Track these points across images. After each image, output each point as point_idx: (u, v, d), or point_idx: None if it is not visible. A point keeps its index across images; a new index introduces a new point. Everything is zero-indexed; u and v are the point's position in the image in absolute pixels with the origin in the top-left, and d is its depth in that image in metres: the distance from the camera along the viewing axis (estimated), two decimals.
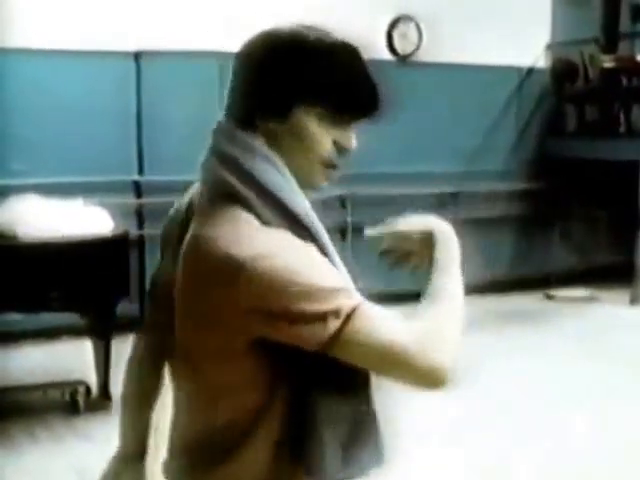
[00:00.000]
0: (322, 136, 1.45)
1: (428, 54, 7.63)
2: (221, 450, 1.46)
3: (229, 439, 1.45)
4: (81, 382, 5.08)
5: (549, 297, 8.11)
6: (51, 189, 5.14)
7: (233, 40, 6.77)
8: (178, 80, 6.55)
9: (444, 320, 1.41)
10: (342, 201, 7.33)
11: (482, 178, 7.97)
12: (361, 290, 1.40)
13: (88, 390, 5.04)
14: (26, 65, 6.05)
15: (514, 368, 5.84)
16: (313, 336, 1.34)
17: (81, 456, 4.26)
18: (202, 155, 1.47)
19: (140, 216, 6.62)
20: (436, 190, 7.72)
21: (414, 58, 7.59)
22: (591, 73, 8.36)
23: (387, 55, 7.49)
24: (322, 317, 1.33)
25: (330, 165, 1.48)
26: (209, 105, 6.68)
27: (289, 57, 1.42)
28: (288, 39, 1.45)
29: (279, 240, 1.37)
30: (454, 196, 7.84)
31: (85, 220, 4.84)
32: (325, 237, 1.44)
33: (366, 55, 1.46)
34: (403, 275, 6.96)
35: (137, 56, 6.50)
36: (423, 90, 7.62)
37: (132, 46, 6.44)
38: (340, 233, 7.32)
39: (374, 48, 7.38)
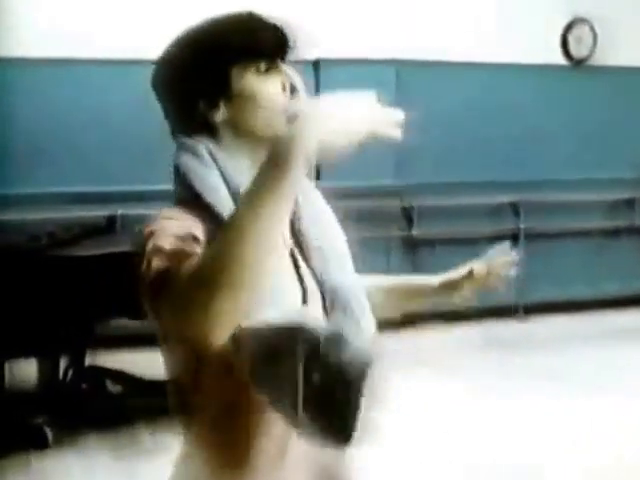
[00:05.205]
0: (267, 86, 1.53)
1: (602, 58, 7.50)
2: None
3: None
4: None
5: None
6: None
7: (410, 47, 6.80)
8: (356, 88, 6.62)
9: (223, 263, 1.22)
10: (514, 207, 7.30)
11: None
12: None
13: None
14: None
15: None
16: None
17: None
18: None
19: None
20: (610, 197, 7.58)
21: (588, 62, 7.48)
22: None
23: (562, 59, 7.40)
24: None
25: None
26: None
27: (201, 40, 1.53)
28: (192, 32, 1.55)
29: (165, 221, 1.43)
30: (629, 203, 7.66)
31: None
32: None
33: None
34: (576, 280, 6.74)
35: (316, 64, 6.65)
36: (597, 94, 7.49)
37: (311, 54, 6.60)
38: (512, 239, 7.29)
39: (549, 52, 7.31)
